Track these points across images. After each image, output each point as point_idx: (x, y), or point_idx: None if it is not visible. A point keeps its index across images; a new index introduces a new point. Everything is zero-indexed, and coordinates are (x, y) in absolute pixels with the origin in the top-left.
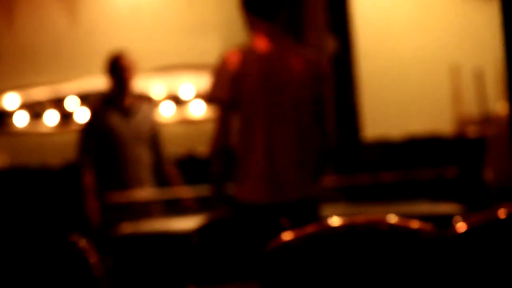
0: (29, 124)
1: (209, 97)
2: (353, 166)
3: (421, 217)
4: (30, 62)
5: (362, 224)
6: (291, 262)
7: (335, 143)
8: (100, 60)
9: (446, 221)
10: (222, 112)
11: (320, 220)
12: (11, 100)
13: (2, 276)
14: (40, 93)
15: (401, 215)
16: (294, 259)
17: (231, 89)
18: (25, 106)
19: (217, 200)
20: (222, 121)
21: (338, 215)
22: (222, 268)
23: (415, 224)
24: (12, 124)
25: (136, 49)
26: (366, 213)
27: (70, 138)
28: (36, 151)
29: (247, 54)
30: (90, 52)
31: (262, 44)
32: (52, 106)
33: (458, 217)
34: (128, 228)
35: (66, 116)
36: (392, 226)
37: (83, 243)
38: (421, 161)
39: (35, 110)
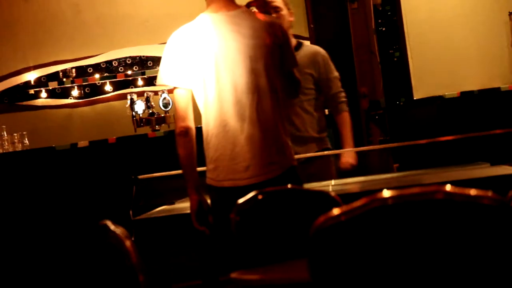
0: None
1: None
2: (405, 129)
3: (480, 181)
4: (50, 36)
5: (415, 194)
6: (341, 238)
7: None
8: (125, 30)
9: (507, 184)
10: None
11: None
12: (32, 76)
13: (35, 260)
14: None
15: (458, 181)
16: (344, 235)
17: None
18: (46, 81)
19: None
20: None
21: (389, 185)
22: (268, 248)
23: (473, 192)
24: (35, 100)
25: (161, 14)
26: (420, 181)
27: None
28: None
29: (197, 27)
30: (114, 22)
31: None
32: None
33: None
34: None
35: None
36: (448, 195)
37: (115, 227)
38: (478, 118)
39: (59, 84)
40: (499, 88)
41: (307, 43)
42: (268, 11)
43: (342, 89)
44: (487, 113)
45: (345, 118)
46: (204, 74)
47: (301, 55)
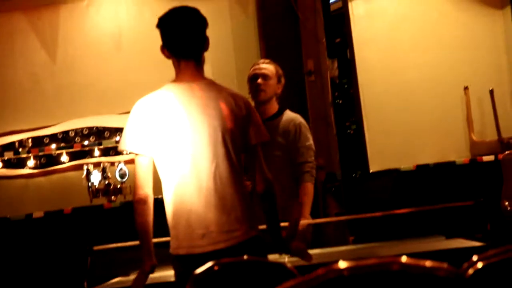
0: (9, 169)
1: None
2: (361, 201)
3: (435, 254)
4: (6, 105)
5: (371, 265)
6: None
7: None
8: (83, 100)
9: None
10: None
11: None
12: None
13: None
14: (19, 137)
15: (414, 254)
16: None
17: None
18: (2, 151)
19: None
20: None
21: (345, 256)
22: None
23: (428, 263)
24: None
25: (120, 84)
26: (376, 254)
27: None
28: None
29: (160, 98)
30: (72, 92)
31: (182, 81)
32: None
33: (474, 253)
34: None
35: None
36: (403, 266)
37: None
38: (433, 190)
39: (14, 154)
40: (454, 161)
41: (289, 111)
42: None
43: (310, 160)
44: (442, 186)
45: (306, 189)
46: (165, 143)
47: (278, 121)
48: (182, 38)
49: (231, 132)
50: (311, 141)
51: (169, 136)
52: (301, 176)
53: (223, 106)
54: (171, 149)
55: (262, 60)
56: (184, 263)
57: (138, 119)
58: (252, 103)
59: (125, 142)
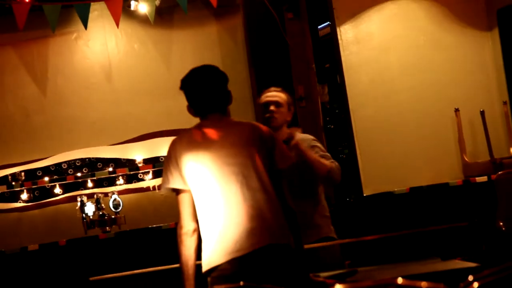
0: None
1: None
2: (356, 225)
3: (431, 276)
4: (0, 139)
5: (368, 287)
6: None
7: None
8: (75, 132)
9: (458, 278)
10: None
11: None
12: None
13: None
14: (12, 170)
15: (409, 276)
16: None
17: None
18: None
19: None
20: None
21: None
22: None
23: (424, 284)
24: None
25: (111, 115)
26: (371, 277)
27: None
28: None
29: (188, 136)
30: (63, 124)
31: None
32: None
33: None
34: None
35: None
36: None
37: None
38: (427, 212)
39: (8, 188)
40: (447, 183)
41: (299, 134)
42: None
43: (332, 160)
44: (437, 208)
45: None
46: (197, 180)
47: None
48: (206, 97)
49: (257, 162)
50: (327, 153)
51: (198, 172)
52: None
53: (246, 139)
54: (202, 183)
55: (273, 88)
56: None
57: (172, 158)
58: None
59: (168, 180)
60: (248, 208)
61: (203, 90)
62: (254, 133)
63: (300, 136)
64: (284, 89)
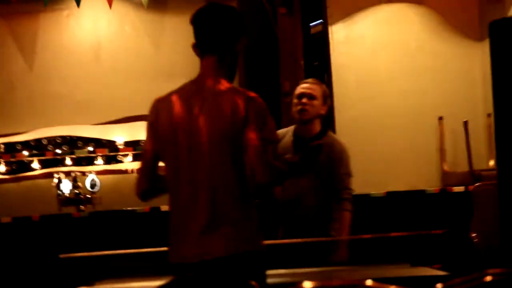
0: None
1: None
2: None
3: (399, 280)
4: None
5: (336, 287)
6: None
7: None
8: (58, 108)
9: (426, 285)
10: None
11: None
12: None
13: None
14: None
15: (378, 279)
16: None
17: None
18: None
19: None
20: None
21: (310, 278)
22: None
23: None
24: None
25: (96, 95)
26: (340, 277)
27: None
28: None
29: (165, 100)
30: (47, 100)
31: (189, 85)
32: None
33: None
34: None
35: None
36: None
37: None
38: (403, 218)
39: None
40: (424, 190)
41: (331, 133)
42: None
43: (349, 187)
44: (412, 214)
45: (344, 218)
46: (164, 146)
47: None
48: (204, 33)
49: (228, 135)
50: (350, 168)
51: (166, 140)
52: (340, 203)
53: (222, 108)
54: (169, 153)
55: (310, 80)
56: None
57: (149, 120)
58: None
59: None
60: (208, 205)
61: (203, 25)
62: (233, 104)
63: (333, 138)
64: (319, 81)
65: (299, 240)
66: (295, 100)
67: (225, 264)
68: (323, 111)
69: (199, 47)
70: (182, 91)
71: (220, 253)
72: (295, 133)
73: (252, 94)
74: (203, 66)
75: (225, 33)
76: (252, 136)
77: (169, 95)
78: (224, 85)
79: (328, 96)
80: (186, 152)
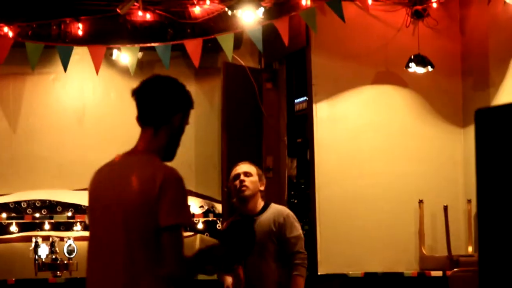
0: None
1: None
2: None
3: None
4: None
5: None
6: None
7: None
8: (40, 171)
9: None
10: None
11: None
12: None
13: None
14: None
15: None
16: None
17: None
18: None
19: None
20: None
21: None
22: None
23: None
24: None
25: (78, 160)
26: None
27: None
28: None
29: (97, 171)
30: (29, 162)
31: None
32: None
33: None
34: None
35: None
36: None
37: None
38: None
39: None
40: (402, 273)
41: (274, 204)
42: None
43: (302, 250)
44: None
45: (295, 282)
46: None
47: (267, 214)
48: (141, 106)
49: (133, 214)
50: (300, 231)
51: (89, 215)
52: (293, 268)
53: (133, 185)
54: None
55: (241, 162)
56: None
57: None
58: (237, 203)
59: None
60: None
61: (140, 97)
62: (147, 180)
63: (277, 208)
64: (252, 161)
65: None
66: (235, 183)
67: None
68: (262, 187)
69: (139, 119)
70: (110, 162)
71: None
72: (240, 214)
73: (170, 173)
74: (139, 138)
75: (160, 107)
76: (163, 218)
77: (103, 165)
78: (146, 158)
79: (262, 175)
80: (95, 223)
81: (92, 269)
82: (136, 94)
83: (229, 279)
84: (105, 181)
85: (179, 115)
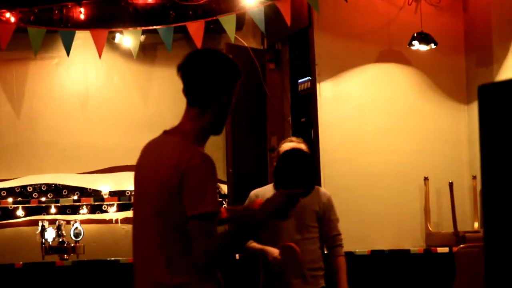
0: None
1: None
2: None
3: None
4: None
5: None
6: None
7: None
8: (44, 156)
9: None
10: None
11: None
12: None
13: None
14: None
15: None
16: None
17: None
18: None
19: None
20: None
21: None
22: None
23: None
24: None
25: (82, 144)
26: None
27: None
28: None
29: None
30: (33, 147)
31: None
32: None
33: None
34: None
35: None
36: None
37: None
38: (386, 277)
39: None
40: (408, 250)
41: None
42: None
43: (340, 233)
44: (396, 273)
45: (341, 263)
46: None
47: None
48: (188, 84)
49: (159, 200)
50: (337, 216)
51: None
52: (335, 249)
53: (159, 172)
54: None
55: (295, 138)
56: None
57: None
58: None
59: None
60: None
61: (184, 74)
62: (173, 165)
63: (317, 189)
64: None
65: None
66: None
67: None
68: None
69: (185, 95)
70: (155, 140)
71: None
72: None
73: (193, 160)
74: (183, 115)
75: (208, 87)
76: (186, 207)
77: (148, 142)
78: (177, 141)
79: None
80: (135, 199)
81: (135, 249)
82: (182, 70)
83: (274, 251)
84: (143, 161)
85: (228, 93)
